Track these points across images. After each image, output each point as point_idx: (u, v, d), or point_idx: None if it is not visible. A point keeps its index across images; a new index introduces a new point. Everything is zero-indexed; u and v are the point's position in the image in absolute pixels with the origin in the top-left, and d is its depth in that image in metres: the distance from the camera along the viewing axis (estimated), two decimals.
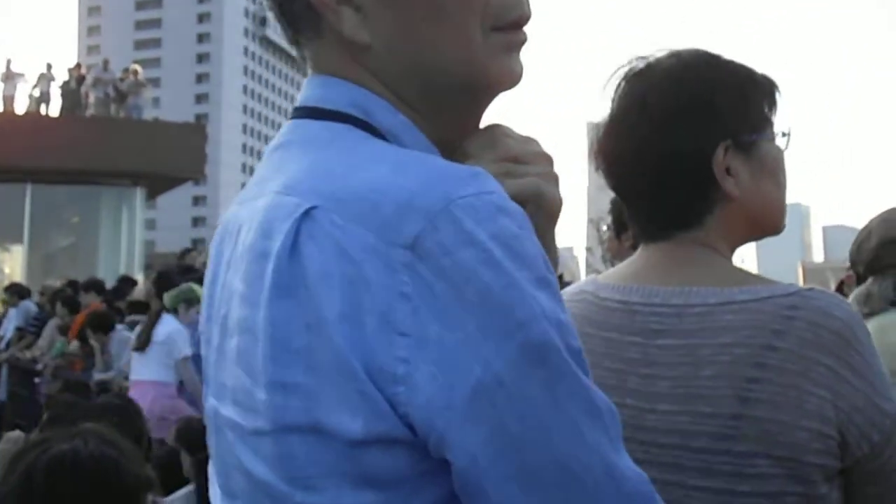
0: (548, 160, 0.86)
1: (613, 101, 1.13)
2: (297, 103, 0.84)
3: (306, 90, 0.84)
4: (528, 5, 0.83)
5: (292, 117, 0.84)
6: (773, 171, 1.11)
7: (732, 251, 1.12)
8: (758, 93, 1.11)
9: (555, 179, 0.85)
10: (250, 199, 0.79)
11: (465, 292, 0.66)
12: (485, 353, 0.65)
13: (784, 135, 1.13)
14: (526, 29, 0.84)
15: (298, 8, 0.80)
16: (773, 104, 1.12)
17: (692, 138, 1.06)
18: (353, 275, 0.67)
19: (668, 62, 1.11)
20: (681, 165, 1.06)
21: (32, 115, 17.77)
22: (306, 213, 0.69)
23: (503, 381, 0.66)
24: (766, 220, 1.12)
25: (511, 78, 0.83)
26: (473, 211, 0.67)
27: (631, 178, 1.11)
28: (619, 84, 1.13)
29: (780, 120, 1.13)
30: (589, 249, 37.60)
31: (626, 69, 1.14)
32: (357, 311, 0.66)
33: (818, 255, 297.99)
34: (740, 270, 1.09)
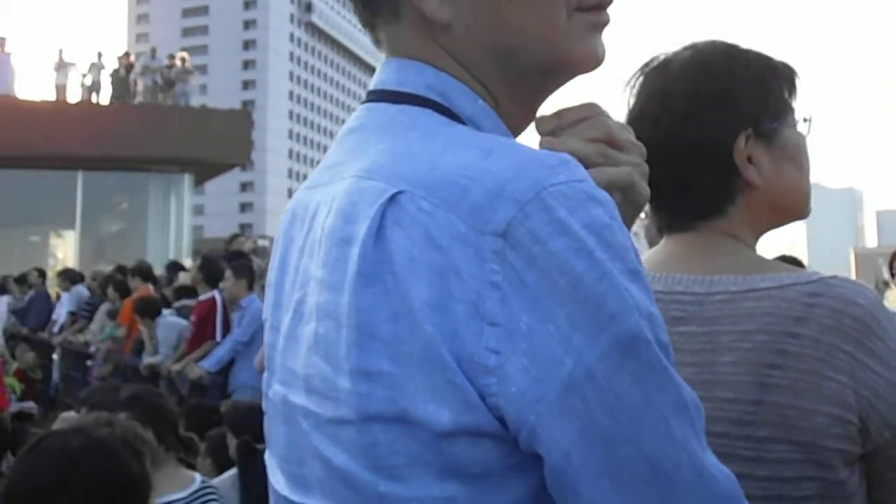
0: (641, 152, 0.84)
1: (634, 95, 1.14)
2: (372, 86, 0.83)
3: (382, 73, 0.82)
4: None
5: (366, 101, 0.82)
6: (795, 157, 1.11)
7: (756, 238, 1.13)
8: (777, 80, 1.11)
9: (644, 173, 0.84)
10: (324, 184, 0.78)
11: (557, 283, 0.64)
12: (576, 346, 0.64)
13: (805, 120, 1.13)
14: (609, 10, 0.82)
15: None
16: (792, 90, 1.13)
17: (713, 129, 1.07)
18: (441, 263, 0.65)
19: (686, 54, 1.12)
20: (702, 156, 1.07)
21: (84, 104, 18.07)
22: (392, 198, 0.68)
23: (594, 375, 0.64)
24: (790, 206, 1.13)
25: (594, 59, 0.82)
26: (565, 199, 0.65)
27: (653, 171, 1.12)
28: (639, 78, 1.14)
29: (801, 106, 1.13)
30: None
31: (650, 64, 1.15)
32: (446, 300, 0.65)
33: (871, 241, 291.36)
34: (762, 258, 1.09)
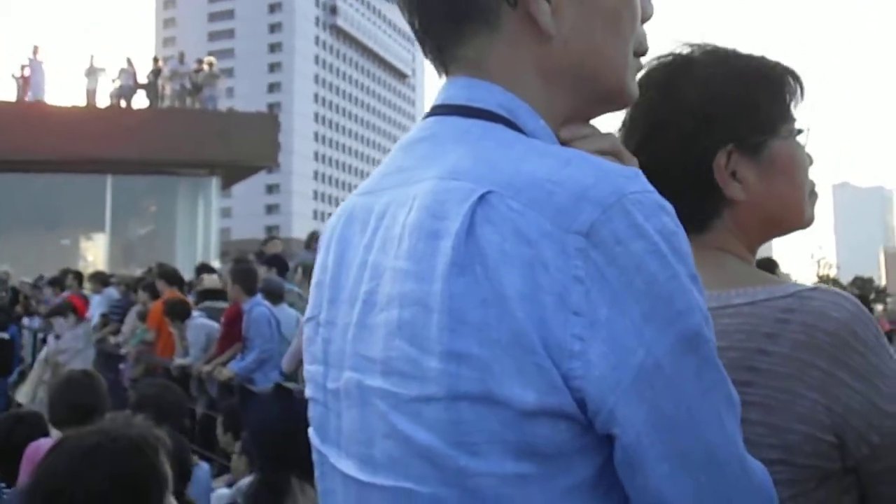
0: (636, 164, 0.91)
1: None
2: (439, 102, 0.88)
3: (450, 90, 0.87)
4: None
5: (433, 115, 0.88)
6: (786, 169, 1.08)
7: (752, 249, 1.11)
8: (769, 90, 1.08)
9: None
10: (392, 187, 0.84)
11: (634, 280, 0.71)
12: (648, 338, 0.71)
13: (801, 132, 1.10)
14: None
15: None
16: (792, 96, 1.10)
17: (690, 145, 1.06)
18: (531, 256, 0.71)
19: (671, 63, 1.11)
20: (683, 170, 1.06)
21: (113, 109, 18.31)
22: (482, 198, 0.74)
23: (662, 366, 0.71)
24: (783, 218, 1.10)
25: (635, 98, 0.93)
26: (641, 206, 0.73)
27: None
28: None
29: (805, 110, 1.10)
30: None
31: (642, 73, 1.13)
32: (536, 291, 0.71)
33: None
34: (746, 271, 1.07)
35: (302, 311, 6.78)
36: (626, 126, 1.12)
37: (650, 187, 0.75)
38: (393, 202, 0.82)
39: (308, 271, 6.54)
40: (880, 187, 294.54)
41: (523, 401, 0.71)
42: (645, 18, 0.93)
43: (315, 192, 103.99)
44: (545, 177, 0.74)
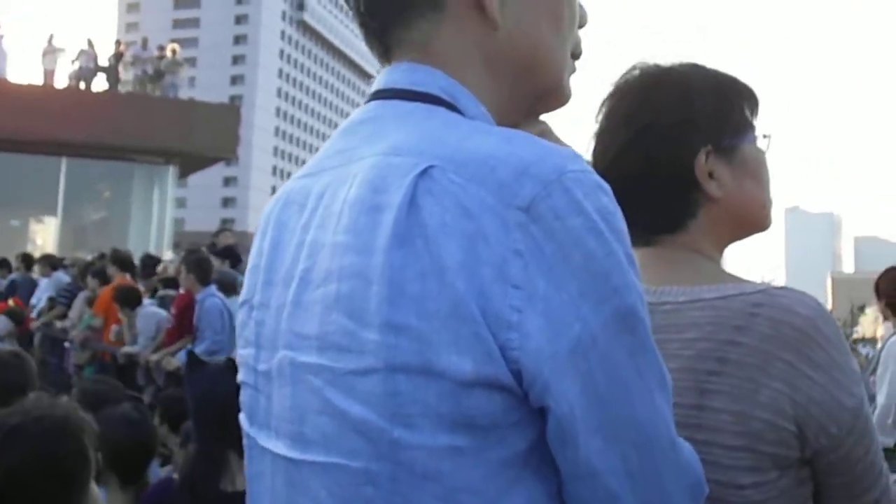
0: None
1: (600, 111, 1.18)
2: (380, 86, 0.89)
3: (391, 74, 0.88)
4: None
5: (374, 98, 0.88)
6: (755, 172, 1.15)
7: (720, 251, 1.17)
8: (738, 98, 1.16)
9: None
10: (333, 167, 0.85)
11: (572, 255, 0.72)
12: (584, 313, 0.72)
13: (765, 136, 1.17)
14: None
15: None
16: (753, 108, 1.17)
17: (673, 145, 1.10)
18: (471, 229, 0.72)
19: (649, 72, 1.17)
20: (662, 172, 1.11)
21: (71, 90, 17.97)
22: (424, 172, 0.75)
23: (596, 341, 0.72)
24: (751, 218, 1.17)
25: (569, 97, 0.96)
26: (581, 184, 0.74)
27: (620, 187, 1.08)
28: (611, 95, 1.19)
29: (762, 124, 1.18)
30: None
31: (617, 81, 1.19)
32: (475, 262, 0.71)
33: (849, 266, 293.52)
34: (716, 270, 1.12)
35: None
36: (605, 132, 1.17)
37: (589, 168, 0.77)
38: (333, 181, 0.83)
39: None
40: (830, 213, 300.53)
41: (460, 370, 0.71)
42: (581, 24, 0.96)
43: (273, 188, 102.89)
44: (488, 153, 0.75)
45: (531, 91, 0.92)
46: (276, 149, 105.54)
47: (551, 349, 0.71)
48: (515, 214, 0.72)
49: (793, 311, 0.99)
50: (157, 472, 2.75)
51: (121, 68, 18.20)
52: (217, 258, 7.47)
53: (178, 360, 6.27)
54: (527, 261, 0.72)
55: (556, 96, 0.95)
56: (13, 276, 11.30)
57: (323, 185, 0.84)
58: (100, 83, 18.17)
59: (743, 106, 1.16)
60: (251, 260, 0.93)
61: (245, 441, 0.92)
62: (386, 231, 0.74)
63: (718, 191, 1.11)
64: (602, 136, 1.17)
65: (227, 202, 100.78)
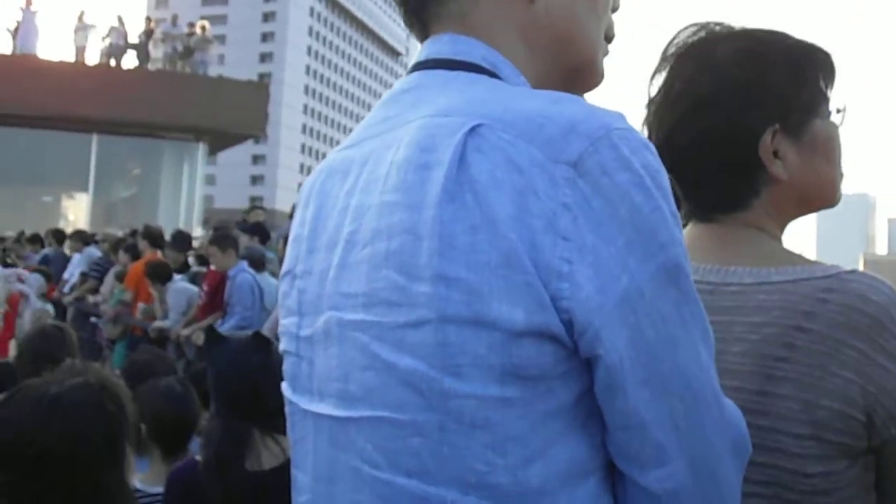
0: None
1: (656, 74, 1.12)
2: (422, 57, 0.90)
3: (433, 45, 0.90)
4: None
5: (416, 69, 0.90)
6: (825, 149, 1.08)
7: (782, 228, 1.12)
8: (813, 70, 1.08)
9: None
10: (377, 135, 0.86)
11: (619, 210, 0.74)
12: (631, 266, 0.73)
13: (839, 111, 1.10)
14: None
15: None
16: (829, 79, 1.10)
17: (738, 121, 1.04)
18: (521, 183, 0.73)
19: (714, 34, 1.10)
20: (726, 149, 1.05)
21: (102, 67, 18.10)
22: (473, 129, 0.76)
23: (644, 294, 0.74)
24: (818, 197, 1.12)
25: (602, 77, 0.97)
26: (627, 142, 0.75)
27: (677, 160, 1.05)
28: (667, 60, 1.12)
29: (837, 95, 1.10)
30: None
31: (676, 44, 1.12)
32: (526, 214, 0.73)
33: (882, 248, 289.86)
34: (783, 251, 1.07)
35: None
36: (661, 101, 1.11)
37: (635, 127, 0.78)
38: (377, 148, 0.84)
39: None
40: (864, 194, 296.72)
41: (511, 320, 0.72)
42: (614, 8, 0.97)
43: (301, 166, 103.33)
44: (535, 111, 0.76)
45: (566, 67, 0.93)
46: (304, 126, 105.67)
47: (601, 300, 0.73)
48: (563, 170, 0.73)
49: (865, 298, 0.95)
50: (198, 446, 2.75)
51: (151, 45, 18.32)
52: (246, 234, 7.50)
53: None
54: (575, 214, 0.73)
55: (590, 75, 0.95)
56: (46, 251, 11.44)
57: (366, 153, 0.85)
58: (130, 60, 18.28)
59: (818, 78, 1.09)
60: (293, 231, 0.94)
61: (287, 409, 0.93)
62: (435, 187, 0.75)
63: (784, 172, 1.06)
64: (657, 106, 1.11)
65: (255, 180, 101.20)
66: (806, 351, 0.95)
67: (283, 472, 2.01)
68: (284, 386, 0.93)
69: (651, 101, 1.13)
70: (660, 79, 1.13)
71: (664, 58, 1.13)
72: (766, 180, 1.07)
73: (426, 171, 0.76)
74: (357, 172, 0.85)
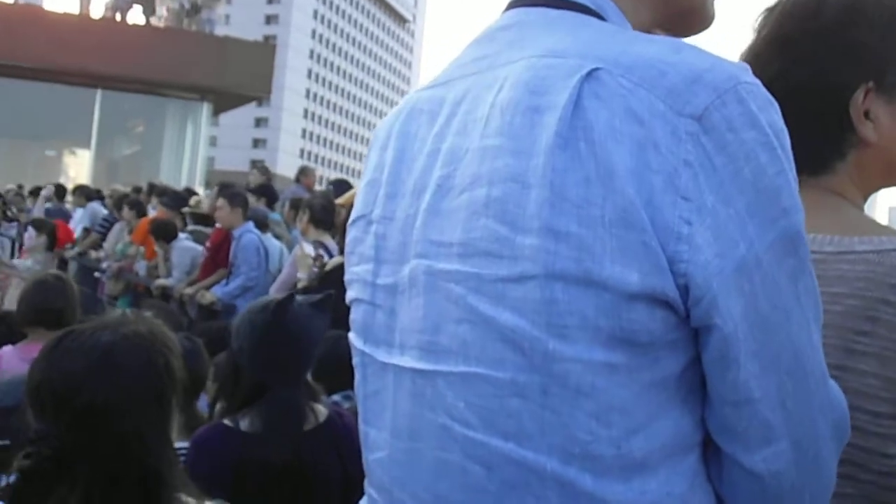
0: None
1: (755, 31, 1.08)
2: None
3: None
4: None
5: (514, 6, 0.85)
6: None
7: (865, 197, 1.06)
8: None
9: None
10: (472, 74, 0.80)
11: (742, 170, 0.68)
12: (750, 232, 0.69)
13: None
14: None
15: None
16: None
17: (831, 78, 1.00)
18: (641, 135, 0.68)
19: None
20: (814, 106, 1.00)
21: (107, 22, 17.92)
22: (590, 73, 0.70)
23: (761, 263, 0.69)
24: None
25: (711, 21, 0.92)
26: (755, 97, 0.70)
27: None
28: (763, 16, 1.08)
29: None
30: None
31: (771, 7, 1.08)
32: (645, 170, 0.67)
33: None
34: (868, 220, 1.02)
35: (287, 243, 6.71)
36: (756, 53, 1.06)
37: (761, 83, 0.73)
38: (473, 87, 0.79)
39: (296, 205, 6.45)
40: None
41: (625, 281, 0.67)
42: None
43: (304, 131, 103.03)
44: (656, 57, 0.71)
45: (674, 11, 0.88)
46: (308, 91, 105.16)
47: (720, 264, 0.68)
48: (687, 123, 0.68)
49: None
50: (205, 404, 2.67)
51: (157, 1, 18.09)
52: (253, 195, 7.42)
53: (212, 295, 6.26)
54: (696, 172, 0.68)
55: (700, 16, 0.90)
56: (47, 205, 11.36)
57: (460, 92, 0.80)
58: (135, 15, 18.08)
59: None
60: (366, 175, 0.89)
61: (357, 360, 0.88)
62: (548, 132, 0.70)
63: (874, 134, 1.00)
64: (756, 61, 1.05)
65: (257, 143, 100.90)
66: (890, 325, 0.90)
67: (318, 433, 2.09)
68: (353, 336, 0.89)
69: (747, 50, 1.07)
70: (757, 26, 1.07)
71: (768, 8, 1.08)
72: (854, 142, 1.01)
73: (536, 114, 0.71)
74: (448, 113, 0.79)
